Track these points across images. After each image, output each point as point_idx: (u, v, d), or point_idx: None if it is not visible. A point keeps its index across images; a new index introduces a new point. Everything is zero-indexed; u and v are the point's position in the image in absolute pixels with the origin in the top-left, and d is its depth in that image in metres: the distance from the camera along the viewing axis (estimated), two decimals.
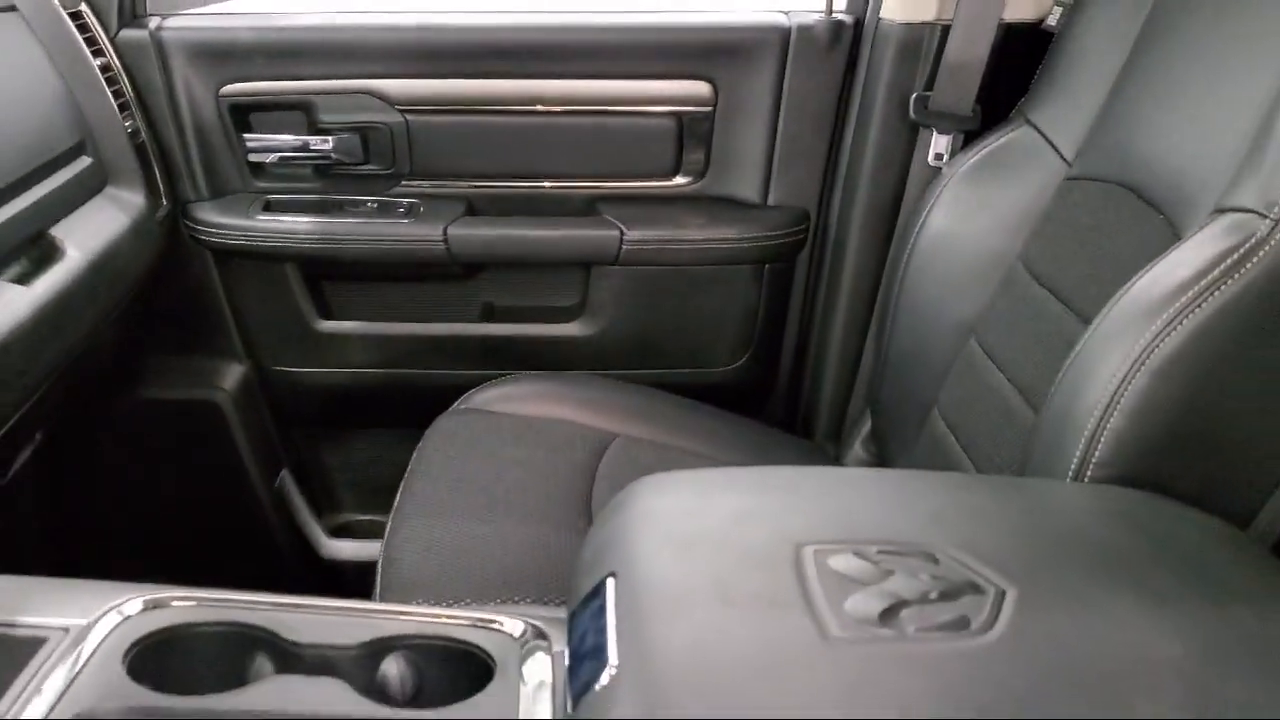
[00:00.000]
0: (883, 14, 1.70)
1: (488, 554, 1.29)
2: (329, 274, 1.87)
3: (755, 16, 1.78)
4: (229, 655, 0.91)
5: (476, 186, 1.84)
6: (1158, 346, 0.98)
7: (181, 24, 1.73)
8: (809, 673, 0.67)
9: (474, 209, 1.82)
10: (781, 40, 1.76)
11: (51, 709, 0.81)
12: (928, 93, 1.67)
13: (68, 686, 0.84)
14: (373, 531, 1.99)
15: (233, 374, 1.91)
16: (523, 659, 0.91)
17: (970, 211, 1.57)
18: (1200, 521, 0.90)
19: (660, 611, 0.74)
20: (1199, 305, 0.97)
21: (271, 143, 1.79)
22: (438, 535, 1.32)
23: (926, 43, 1.66)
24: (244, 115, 1.78)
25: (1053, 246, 1.40)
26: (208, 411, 1.89)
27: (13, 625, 0.91)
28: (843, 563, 0.78)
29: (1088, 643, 0.71)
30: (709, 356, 1.92)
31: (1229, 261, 0.97)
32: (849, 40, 1.76)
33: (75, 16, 1.58)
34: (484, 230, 1.79)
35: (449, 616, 0.97)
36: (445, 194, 1.83)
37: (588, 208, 1.84)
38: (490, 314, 1.91)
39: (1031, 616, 0.73)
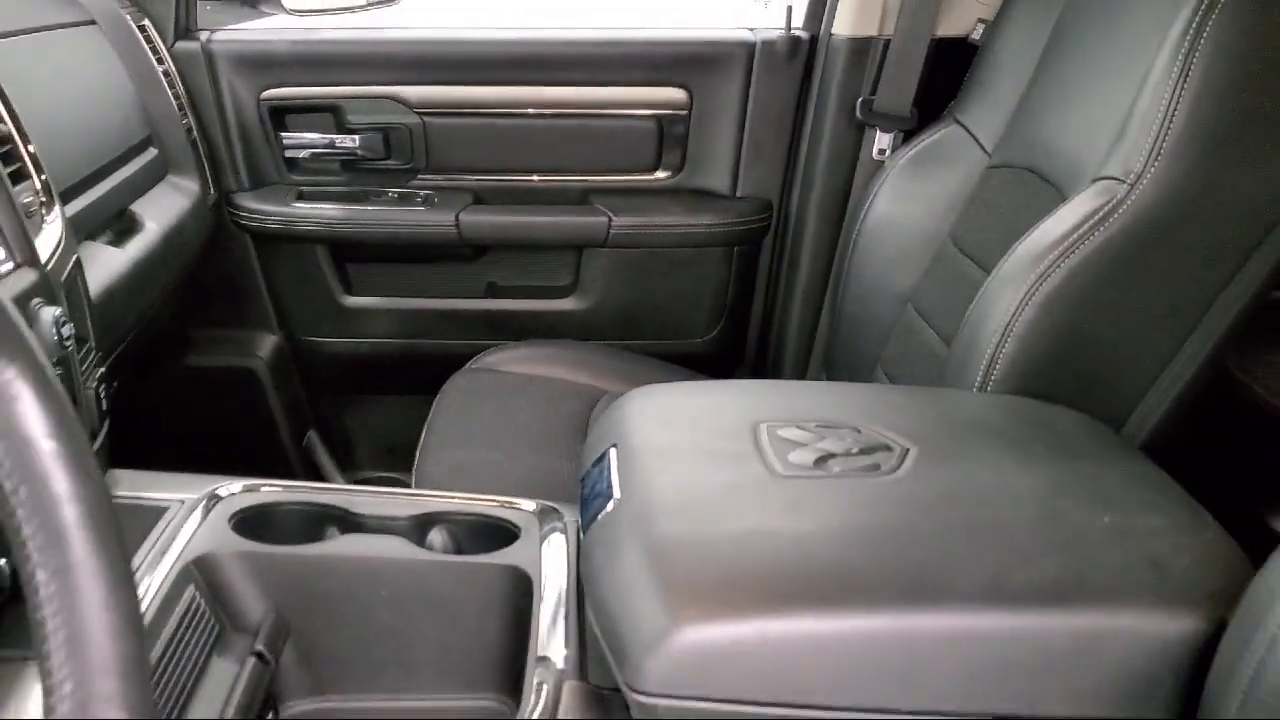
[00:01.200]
0: (834, 30, 1.92)
1: (503, 473, 1.50)
2: (354, 255, 2.07)
3: (725, 33, 2.00)
4: (307, 525, 1.12)
5: (483, 179, 2.04)
6: (1040, 286, 1.20)
7: (228, 38, 1.94)
8: (761, 497, 0.90)
9: (481, 199, 2.03)
10: (747, 53, 1.98)
11: (180, 553, 1.02)
12: (872, 97, 1.89)
13: (190, 539, 1.04)
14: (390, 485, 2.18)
15: (267, 344, 2.11)
16: (540, 524, 1.13)
17: (908, 198, 1.78)
18: (1071, 415, 1.13)
19: (651, 464, 0.96)
20: (1073, 252, 1.20)
21: (305, 140, 1.99)
22: (460, 459, 1.53)
23: (871, 55, 1.88)
24: (281, 116, 1.98)
25: (975, 224, 1.62)
26: (245, 377, 2.08)
27: (141, 499, 1.12)
28: (788, 432, 1.00)
29: (967, 478, 0.94)
30: (686, 327, 2.13)
31: (1096, 217, 1.19)
32: (805, 53, 1.98)
33: (140, 30, 1.78)
34: (490, 217, 2.00)
35: (480, 498, 1.18)
36: (456, 186, 2.03)
37: (580, 198, 2.05)
38: (494, 291, 2.11)
39: (928, 464, 0.96)
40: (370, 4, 2.17)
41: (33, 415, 0.50)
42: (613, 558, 0.86)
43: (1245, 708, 0.70)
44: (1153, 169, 1.17)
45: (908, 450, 0.97)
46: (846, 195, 1.96)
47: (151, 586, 0.96)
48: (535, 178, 2.05)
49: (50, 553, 0.49)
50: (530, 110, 2.00)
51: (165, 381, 2.05)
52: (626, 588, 0.82)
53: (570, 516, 1.16)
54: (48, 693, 0.50)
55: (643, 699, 0.77)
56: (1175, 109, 1.16)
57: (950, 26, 1.86)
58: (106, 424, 1.17)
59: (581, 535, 0.96)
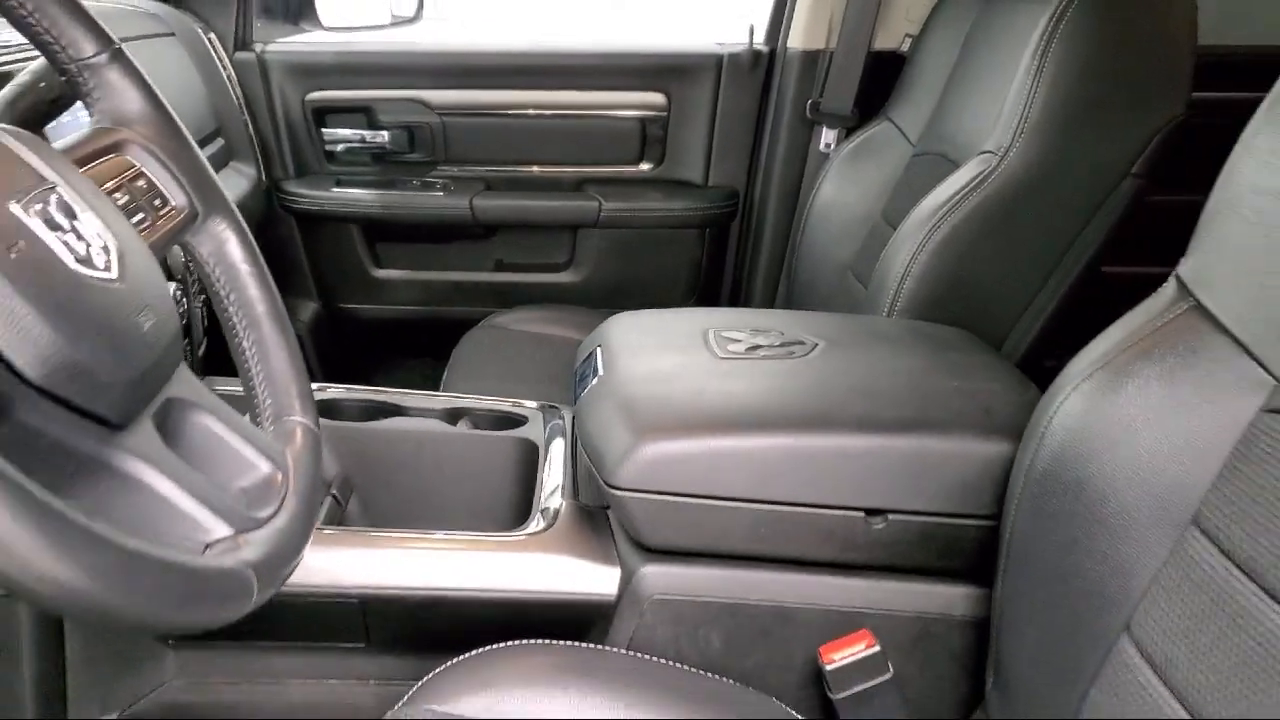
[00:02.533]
0: (789, 45, 2.24)
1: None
2: (382, 234, 2.37)
3: (697, 46, 2.31)
4: (364, 415, 1.41)
5: (493, 170, 2.34)
6: (931, 236, 1.51)
7: (279, 49, 2.25)
8: (704, 370, 1.20)
9: (491, 186, 2.32)
10: (716, 64, 2.29)
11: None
12: (820, 100, 2.20)
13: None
14: None
15: (308, 310, 2.40)
16: (543, 415, 1.43)
17: (848, 184, 2.09)
18: (950, 329, 1.43)
19: (626, 355, 1.26)
20: (956, 210, 1.50)
21: (342, 136, 2.29)
22: (476, 390, 1.82)
23: (819, 65, 2.20)
24: (322, 116, 2.29)
25: (899, 202, 1.92)
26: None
27: (237, 392, 1.41)
28: (729, 334, 1.31)
29: (858, 360, 1.24)
30: (665, 298, 2.42)
31: (974, 183, 1.50)
32: (765, 64, 2.29)
33: (208, 42, 2.09)
34: (499, 201, 2.30)
35: (495, 399, 1.48)
36: (470, 176, 2.33)
37: (575, 186, 2.35)
38: (501, 265, 2.40)
39: (830, 352, 1.26)
40: (394, 23, 2.49)
41: (237, 250, 0.81)
42: (597, 408, 1.16)
43: (1024, 494, 1.00)
44: (1017, 144, 1.48)
45: (817, 344, 1.28)
46: (799, 183, 2.27)
47: None
48: (537, 168, 2.35)
49: (249, 332, 0.80)
50: (533, 111, 2.30)
51: (217, 341, 2.34)
52: (606, 423, 1.12)
53: (565, 412, 1.46)
54: (254, 412, 0.80)
55: (617, 493, 1.07)
56: (1033, 98, 1.47)
57: (884, 41, 2.17)
58: (205, 338, 1.46)
59: (575, 402, 1.27)
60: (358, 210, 2.28)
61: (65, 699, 1.08)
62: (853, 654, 1.07)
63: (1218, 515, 0.84)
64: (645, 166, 2.37)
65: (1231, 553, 0.81)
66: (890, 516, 1.09)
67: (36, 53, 1.10)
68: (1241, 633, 0.78)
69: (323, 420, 1.34)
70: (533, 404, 1.47)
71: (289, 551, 0.64)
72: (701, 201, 2.35)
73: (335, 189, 2.28)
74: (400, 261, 2.38)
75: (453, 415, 1.43)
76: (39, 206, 0.59)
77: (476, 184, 2.31)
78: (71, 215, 0.61)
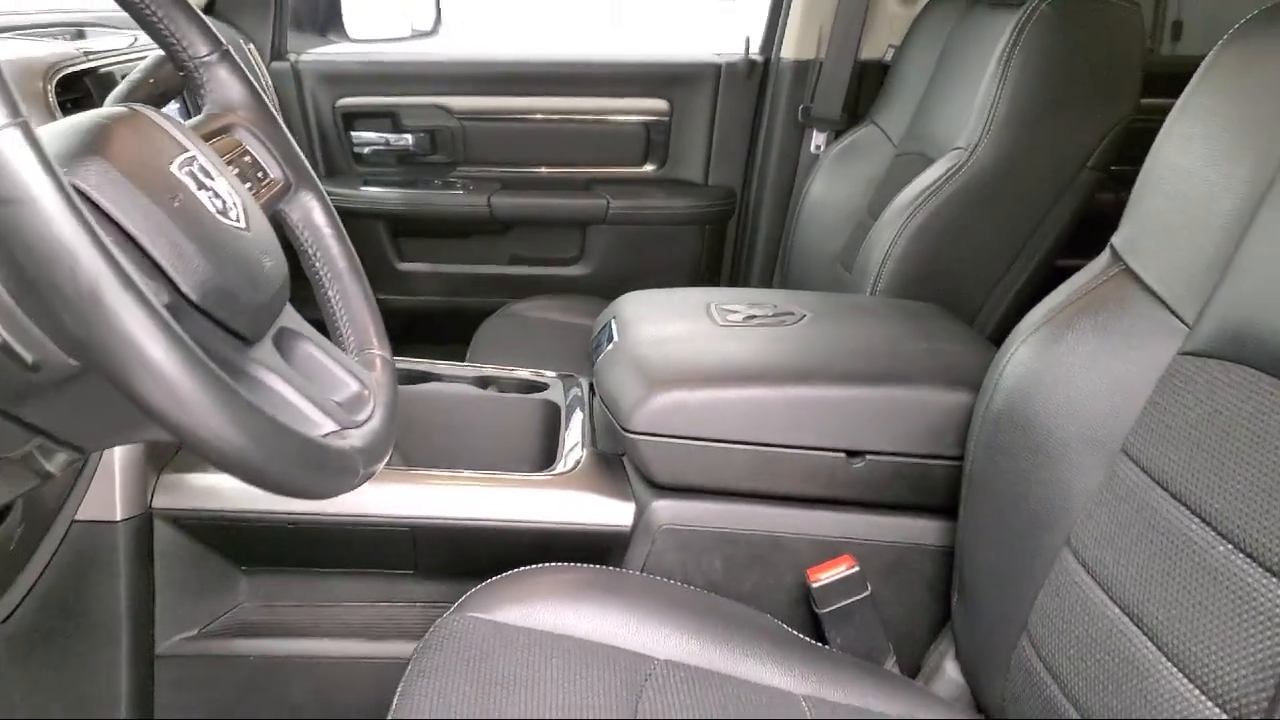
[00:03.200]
0: (782, 55, 2.39)
1: None
2: (406, 230, 2.51)
3: (698, 56, 2.46)
4: (401, 381, 1.56)
5: (509, 171, 2.49)
6: (909, 223, 1.67)
7: (311, 58, 2.40)
8: (706, 335, 1.35)
9: (507, 186, 2.47)
10: (715, 73, 2.45)
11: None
12: (810, 105, 2.36)
13: None
14: None
15: None
16: (562, 382, 1.58)
17: (837, 183, 2.24)
18: (925, 304, 1.58)
19: (637, 324, 1.41)
20: (930, 199, 1.66)
21: (369, 140, 2.44)
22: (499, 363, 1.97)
23: (810, 73, 2.36)
24: (351, 120, 2.44)
25: (882, 197, 2.07)
26: (320, 326, 2.53)
27: None
28: (730, 308, 1.46)
29: (840, 327, 1.40)
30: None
31: (946, 175, 1.66)
32: (760, 72, 2.45)
33: (248, 52, 2.25)
34: (515, 200, 2.44)
35: (518, 369, 1.63)
36: (488, 176, 2.48)
37: (585, 186, 2.50)
38: (516, 259, 2.55)
39: (817, 321, 1.41)
40: (414, 35, 2.64)
41: (321, 216, 0.96)
42: (613, 366, 1.31)
43: (981, 434, 1.15)
44: (985, 141, 1.64)
45: (805, 315, 1.43)
46: (792, 182, 2.42)
47: None
48: (550, 169, 2.50)
49: (334, 283, 0.95)
50: (546, 116, 2.46)
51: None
52: (622, 378, 1.27)
53: (582, 380, 1.61)
54: (340, 347, 0.95)
55: (631, 437, 1.22)
56: (999, 100, 1.63)
57: (869, 51, 2.33)
58: None
59: (593, 365, 1.42)
60: (383, 208, 2.42)
61: (153, 617, 1.23)
62: (835, 574, 1.22)
63: (1142, 442, 0.99)
64: (649, 167, 2.52)
65: (1152, 472, 0.96)
66: (868, 457, 1.24)
67: (128, 57, 1.26)
68: (1158, 534, 0.93)
69: None
70: (552, 373, 1.62)
71: (381, 449, 0.79)
72: (702, 200, 2.49)
73: (363, 188, 2.43)
74: (423, 255, 2.53)
75: (481, 382, 1.57)
76: (188, 169, 0.74)
77: (494, 184, 2.46)
78: (209, 177, 0.76)
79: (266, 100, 0.95)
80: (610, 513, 1.27)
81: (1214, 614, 0.83)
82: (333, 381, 0.82)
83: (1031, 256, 1.68)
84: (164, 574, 1.22)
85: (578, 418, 1.46)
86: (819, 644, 1.20)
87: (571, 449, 1.38)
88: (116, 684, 1.20)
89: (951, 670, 1.22)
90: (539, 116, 2.46)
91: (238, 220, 0.76)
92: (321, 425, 0.74)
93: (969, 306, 1.70)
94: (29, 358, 0.62)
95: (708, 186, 2.53)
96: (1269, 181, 0.95)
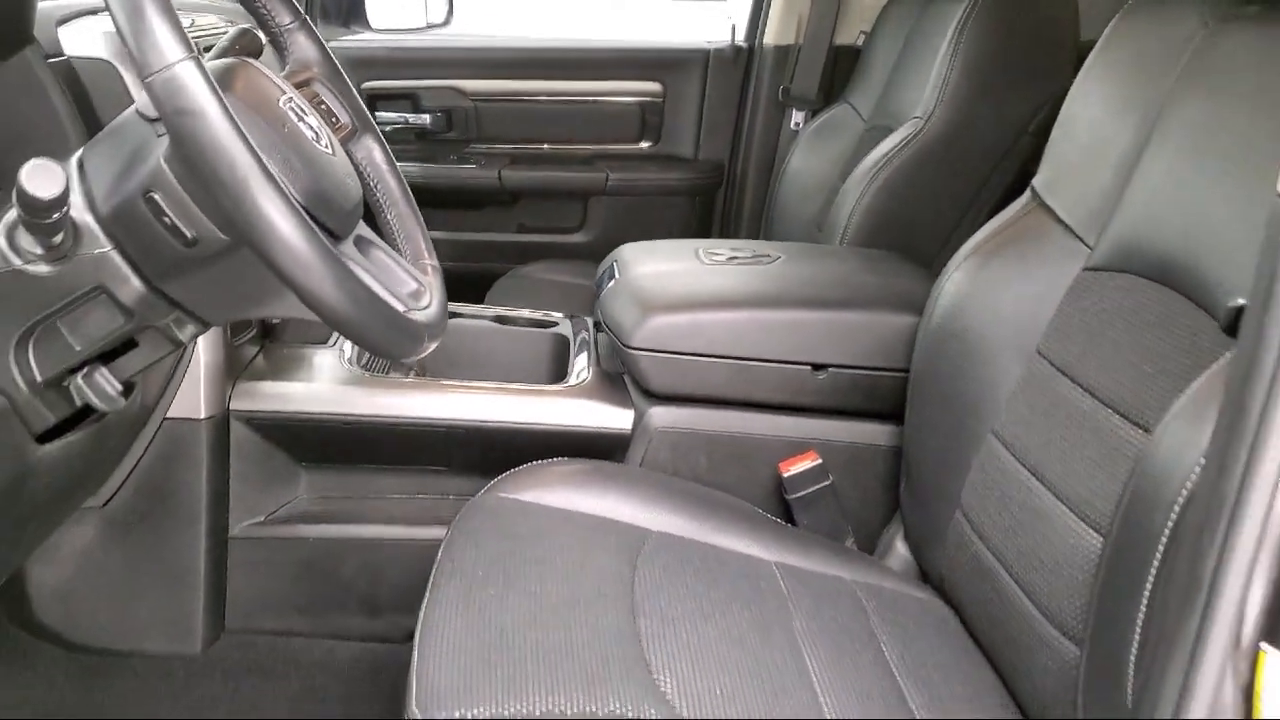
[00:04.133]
0: (764, 41, 2.59)
1: None
2: (424, 200, 2.63)
3: (688, 43, 2.65)
4: None
5: (518, 147, 2.67)
6: (872, 184, 1.86)
7: (339, 45, 2.58)
8: (692, 272, 1.55)
9: (516, 161, 2.65)
10: (704, 58, 2.64)
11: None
12: (790, 86, 2.55)
13: None
14: None
15: None
16: (570, 321, 1.77)
17: (813, 156, 2.42)
18: (884, 251, 1.77)
19: (635, 264, 1.61)
20: (890, 162, 1.85)
21: (390, 119, 2.62)
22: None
23: (790, 57, 2.55)
24: (374, 101, 2.62)
25: (853, 168, 2.24)
26: None
27: None
28: (715, 251, 1.65)
29: (807, 266, 1.59)
30: None
31: (904, 142, 1.85)
32: (745, 57, 2.64)
33: None
34: (523, 173, 2.62)
35: (530, 311, 1.82)
36: (498, 152, 2.66)
37: (586, 160, 2.68)
38: (524, 228, 2.72)
39: (788, 261, 1.61)
40: (430, 26, 2.82)
41: (381, 156, 1.15)
42: (616, 297, 1.51)
43: (923, 346, 1.34)
44: (938, 110, 1.83)
45: (779, 257, 1.63)
46: (773, 157, 2.61)
47: None
48: (554, 145, 2.68)
49: (392, 209, 1.14)
50: (551, 97, 2.64)
51: None
52: (623, 305, 1.47)
53: (587, 320, 1.80)
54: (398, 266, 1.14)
55: (631, 352, 1.42)
56: (950, 73, 1.82)
57: (842, 37, 2.53)
58: None
59: (597, 299, 1.61)
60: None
61: (228, 504, 1.42)
62: (802, 466, 1.41)
63: (1051, 342, 1.19)
64: (645, 144, 2.71)
65: (1058, 364, 1.16)
66: (829, 369, 1.44)
67: (215, 31, 1.45)
68: (1060, 411, 1.13)
69: None
70: (559, 315, 1.82)
71: (437, 329, 0.98)
72: (692, 173, 2.69)
73: None
74: (438, 223, 2.71)
75: (499, 319, 1.77)
76: (289, 105, 0.93)
77: (503, 159, 2.64)
78: (304, 114, 0.95)
79: (335, 61, 1.14)
80: (613, 418, 1.46)
81: (1092, 460, 1.03)
82: (398, 278, 1.02)
83: (980, 210, 1.88)
84: (237, 467, 1.42)
85: (584, 346, 1.66)
86: (789, 525, 1.40)
87: (580, 369, 1.57)
88: (196, 560, 1.40)
89: (901, 548, 1.41)
90: (544, 98, 2.65)
91: (327, 147, 0.95)
92: (396, 305, 0.93)
93: (925, 255, 1.89)
94: (190, 234, 0.82)
95: (697, 161, 2.71)
96: (1151, 128, 1.15)
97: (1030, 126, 1.83)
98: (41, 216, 0.80)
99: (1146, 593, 0.83)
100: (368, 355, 1.56)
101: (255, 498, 1.43)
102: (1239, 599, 0.64)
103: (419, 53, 2.61)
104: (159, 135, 0.84)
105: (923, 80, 1.95)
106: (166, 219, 0.82)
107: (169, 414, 1.32)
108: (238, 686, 1.45)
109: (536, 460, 1.35)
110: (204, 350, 1.32)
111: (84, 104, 1.19)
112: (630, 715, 0.90)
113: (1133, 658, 0.84)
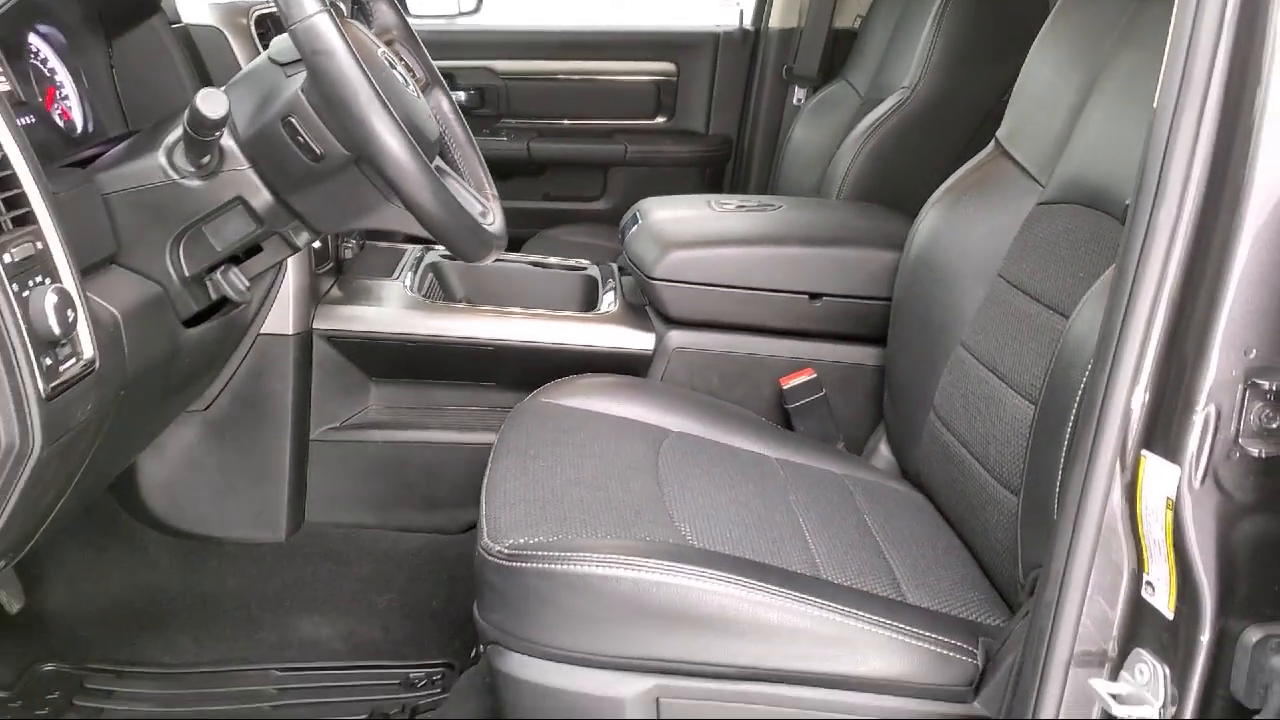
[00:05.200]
0: (770, 25, 2.78)
1: None
2: None
3: (699, 26, 2.85)
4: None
5: (544, 122, 2.86)
6: (863, 149, 2.05)
7: None
8: (707, 218, 1.75)
9: (542, 135, 2.84)
10: (714, 40, 2.83)
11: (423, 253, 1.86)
12: (793, 65, 2.74)
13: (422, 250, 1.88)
14: None
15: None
16: (598, 266, 1.96)
17: (814, 129, 2.61)
18: (872, 205, 1.97)
19: (656, 211, 1.81)
20: (880, 128, 2.05)
21: None
22: None
23: (793, 39, 2.74)
24: None
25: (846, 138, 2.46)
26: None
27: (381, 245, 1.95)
28: (725, 202, 1.86)
29: (805, 213, 1.79)
30: None
31: (892, 109, 2.05)
32: (752, 40, 2.83)
33: None
34: (549, 145, 2.81)
35: (562, 258, 2.02)
36: (526, 127, 2.85)
37: (607, 134, 2.87)
38: (549, 197, 2.92)
39: (791, 210, 1.81)
40: (461, 13, 3.02)
41: (449, 106, 1.35)
42: (639, 237, 1.72)
43: (903, 276, 1.54)
44: (922, 80, 2.03)
45: (781, 206, 1.83)
46: (778, 131, 2.80)
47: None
48: (577, 121, 2.88)
49: (458, 150, 1.34)
50: (574, 77, 2.84)
51: None
52: (646, 244, 1.67)
53: (612, 265, 1.99)
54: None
55: (653, 283, 1.63)
56: (934, 45, 2.02)
57: (841, 21, 2.72)
58: None
59: (622, 242, 1.81)
60: None
61: (310, 411, 1.63)
62: (800, 380, 1.62)
63: (1010, 265, 1.38)
64: (660, 120, 2.91)
65: (1015, 283, 1.36)
66: (825, 298, 1.64)
67: None
68: (1014, 318, 1.32)
69: (445, 261, 1.89)
70: (586, 262, 2.01)
71: (501, 241, 1.18)
72: (703, 146, 2.88)
73: None
74: None
75: (534, 264, 1.97)
76: (383, 55, 1.13)
77: (531, 133, 2.83)
78: (393, 64, 1.15)
79: (410, 26, 1.34)
80: (637, 340, 1.66)
81: (1033, 350, 1.23)
82: (469, 200, 1.22)
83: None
84: (317, 379, 1.62)
85: (610, 284, 1.86)
86: (788, 430, 1.60)
87: (608, 301, 1.77)
88: (281, 460, 1.60)
89: (884, 450, 1.61)
90: (568, 77, 2.85)
91: (414, 91, 1.15)
92: (475, 215, 1.14)
93: (912, 210, 2.08)
94: (318, 150, 1.02)
95: (708, 135, 2.91)
96: (1093, 85, 1.34)
97: (1006, 94, 2.01)
98: (206, 134, 1.00)
99: (1065, 441, 1.03)
100: (427, 285, 1.76)
101: (332, 406, 1.64)
102: (1123, 411, 0.83)
103: (455, 35, 2.80)
104: (288, 76, 1.04)
105: (910, 56, 2.14)
106: (300, 138, 1.02)
107: (262, 330, 1.53)
108: (315, 570, 1.66)
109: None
110: (293, 275, 1.52)
111: (198, 62, 1.40)
112: (658, 538, 1.10)
113: (1056, 494, 1.04)
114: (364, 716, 1.51)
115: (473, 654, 1.55)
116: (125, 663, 1.59)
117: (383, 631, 1.64)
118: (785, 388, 1.61)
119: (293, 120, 1.02)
